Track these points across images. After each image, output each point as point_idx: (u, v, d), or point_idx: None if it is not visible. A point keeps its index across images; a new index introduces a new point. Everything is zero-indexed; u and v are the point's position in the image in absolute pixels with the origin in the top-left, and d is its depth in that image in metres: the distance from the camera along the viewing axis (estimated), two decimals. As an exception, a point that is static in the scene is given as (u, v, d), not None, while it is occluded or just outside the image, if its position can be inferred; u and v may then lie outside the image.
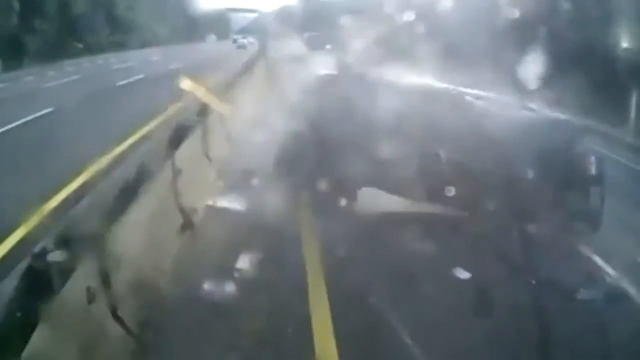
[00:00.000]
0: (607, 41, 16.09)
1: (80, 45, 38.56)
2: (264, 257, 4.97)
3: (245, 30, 45.30)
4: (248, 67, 20.05)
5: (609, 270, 5.09)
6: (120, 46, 42.10)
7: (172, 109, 11.98)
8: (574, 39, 15.63)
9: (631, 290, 4.72)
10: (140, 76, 21.91)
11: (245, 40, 41.65)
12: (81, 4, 39.17)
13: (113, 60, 31.12)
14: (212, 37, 42.95)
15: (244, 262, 4.88)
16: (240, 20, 50.26)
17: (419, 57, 9.56)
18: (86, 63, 29.94)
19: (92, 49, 38.23)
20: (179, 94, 13.74)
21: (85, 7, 39.68)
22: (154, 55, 33.90)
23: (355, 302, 4.31)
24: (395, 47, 10.66)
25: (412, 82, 6.79)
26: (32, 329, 2.62)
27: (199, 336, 3.82)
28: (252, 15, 47.95)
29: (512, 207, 5.43)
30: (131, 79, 20.87)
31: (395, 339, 3.87)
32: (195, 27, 48.45)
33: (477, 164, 5.53)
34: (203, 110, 8.25)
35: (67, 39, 37.16)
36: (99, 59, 32.65)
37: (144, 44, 44.16)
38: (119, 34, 44.52)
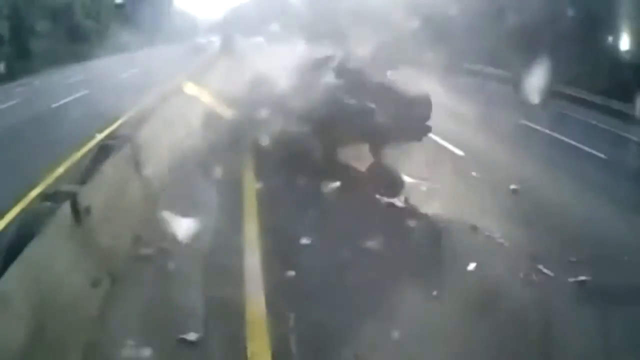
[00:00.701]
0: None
1: (38, 61, 36.56)
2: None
3: (212, 30, 43.88)
4: (206, 67, 18.71)
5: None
6: (83, 56, 39.86)
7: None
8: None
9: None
10: (84, 92, 19.93)
11: (203, 40, 40.50)
12: (38, 18, 37.32)
13: (68, 73, 29.62)
14: (177, 41, 41.22)
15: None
16: (207, 20, 48.73)
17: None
18: (39, 80, 28.00)
19: (52, 62, 36.23)
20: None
21: (43, 20, 37.90)
22: (112, 63, 32.80)
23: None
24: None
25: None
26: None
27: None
28: (219, 15, 46.21)
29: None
30: (71, 97, 18.94)
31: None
32: (162, 31, 47.18)
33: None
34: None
35: (24, 54, 35.32)
36: (56, 73, 31.07)
37: (109, 52, 42.20)
38: (82, 44, 42.50)
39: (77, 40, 41.91)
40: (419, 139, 9.00)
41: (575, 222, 7.23)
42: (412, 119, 8.74)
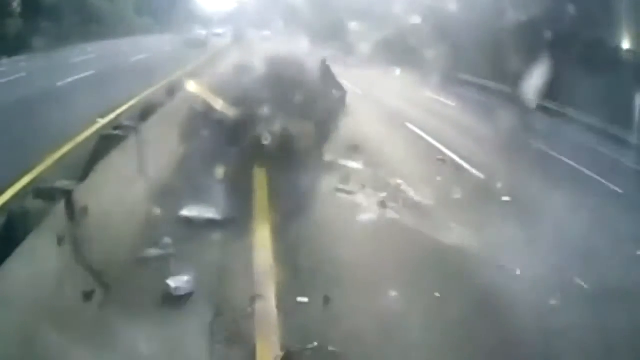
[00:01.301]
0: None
1: (48, 37, 36.08)
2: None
3: (224, 21, 42.78)
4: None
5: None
6: (95, 36, 39.38)
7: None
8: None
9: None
10: (90, 72, 19.32)
11: (203, 32, 35.50)
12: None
13: (77, 52, 29.08)
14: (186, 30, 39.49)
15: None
16: (220, 9, 48.07)
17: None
18: (45, 57, 27.24)
19: (62, 39, 35.69)
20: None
21: None
22: (124, 45, 32.71)
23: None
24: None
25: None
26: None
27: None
28: (233, 6, 45.71)
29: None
30: (77, 76, 18.27)
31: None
32: (176, 17, 46.77)
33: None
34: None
35: (35, 29, 34.85)
36: (66, 51, 30.31)
37: (121, 34, 41.81)
38: (93, 23, 41.98)
39: (89, 20, 41.48)
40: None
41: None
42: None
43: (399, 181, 8.46)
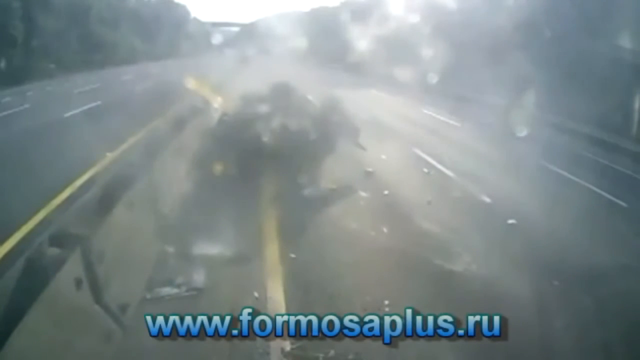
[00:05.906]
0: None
1: (52, 66, 36.42)
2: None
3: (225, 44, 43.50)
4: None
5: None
6: (97, 64, 39.83)
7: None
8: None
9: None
10: (96, 103, 19.49)
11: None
12: (51, 23, 37.09)
13: (80, 82, 29.04)
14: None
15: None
16: (223, 34, 48.63)
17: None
18: (51, 86, 27.95)
19: (66, 68, 36.00)
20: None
21: (57, 26, 37.72)
22: (127, 74, 33.24)
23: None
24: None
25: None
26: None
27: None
28: (235, 29, 46.24)
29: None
30: (83, 108, 18.42)
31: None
32: (177, 43, 47.31)
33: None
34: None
35: (38, 59, 35.09)
36: (67, 81, 30.49)
37: (123, 61, 42.24)
38: (95, 51, 42.39)
39: (92, 48, 41.89)
40: None
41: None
42: None
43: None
